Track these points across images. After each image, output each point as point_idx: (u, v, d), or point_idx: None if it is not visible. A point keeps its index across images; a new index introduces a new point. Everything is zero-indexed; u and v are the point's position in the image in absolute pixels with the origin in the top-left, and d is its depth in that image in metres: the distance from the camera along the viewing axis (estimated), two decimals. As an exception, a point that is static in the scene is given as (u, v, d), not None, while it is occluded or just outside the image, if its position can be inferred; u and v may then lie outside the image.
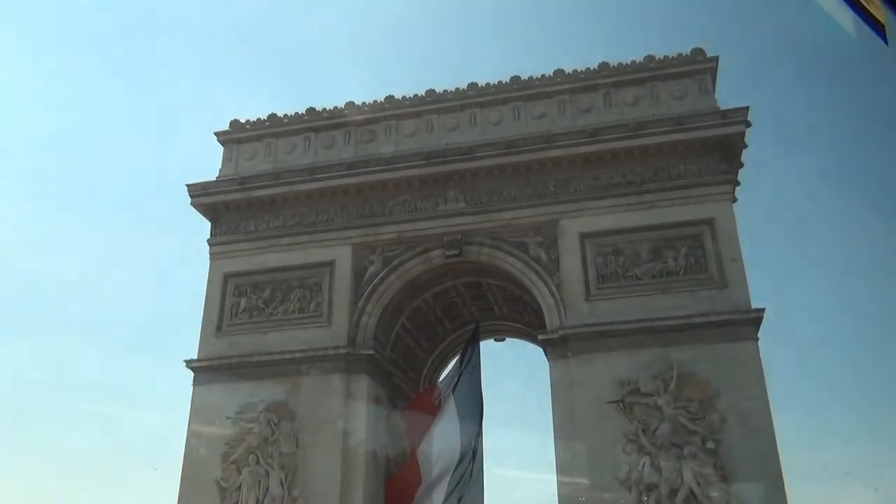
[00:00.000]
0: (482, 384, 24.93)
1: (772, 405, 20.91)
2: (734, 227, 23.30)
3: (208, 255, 26.27)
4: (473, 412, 24.11)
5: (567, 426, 21.79)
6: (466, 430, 23.50)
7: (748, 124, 23.55)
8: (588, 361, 22.15)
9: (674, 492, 20.11)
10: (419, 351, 28.94)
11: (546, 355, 23.19)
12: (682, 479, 20.20)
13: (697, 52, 25.05)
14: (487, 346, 33.22)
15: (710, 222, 23.16)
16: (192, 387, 24.26)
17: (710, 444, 20.47)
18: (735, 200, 26.28)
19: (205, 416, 23.64)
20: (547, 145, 24.43)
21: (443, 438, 23.42)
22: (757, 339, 21.81)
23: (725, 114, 23.74)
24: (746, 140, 24.00)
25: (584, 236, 23.73)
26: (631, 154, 24.10)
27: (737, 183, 25.86)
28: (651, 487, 20.34)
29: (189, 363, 24.51)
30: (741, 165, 25.11)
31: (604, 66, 25.52)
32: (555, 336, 22.85)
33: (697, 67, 24.96)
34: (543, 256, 23.96)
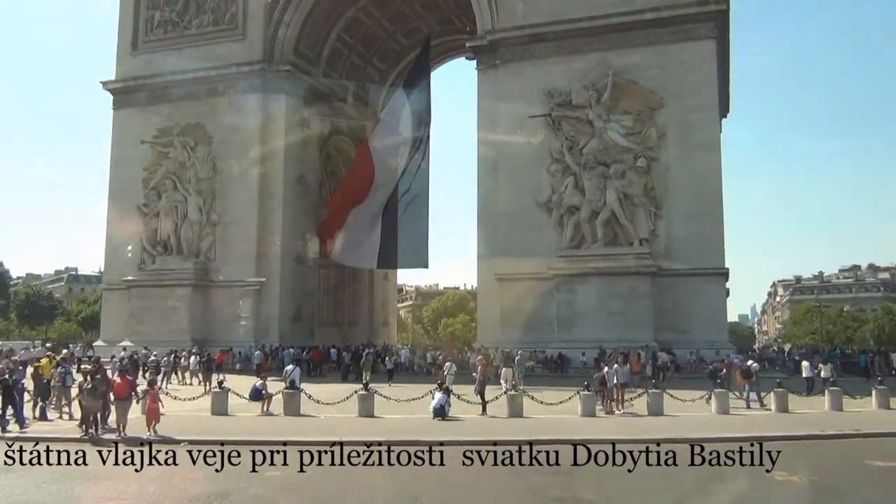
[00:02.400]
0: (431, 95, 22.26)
1: (722, 120, 17.87)
2: None
3: (119, -36, 23.58)
4: (423, 118, 21.78)
5: (489, 145, 19.53)
6: (417, 130, 21.28)
7: None
8: (517, 71, 19.17)
9: (595, 214, 18.05)
10: (372, 71, 26.29)
11: (476, 66, 20.26)
12: (605, 201, 18.04)
13: None
14: (459, 65, 30.42)
15: None
16: (111, 111, 23.02)
17: (640, 162, 17.92)
18: None
19: (125, 141, 22.50)
20: None
21: (395, 133, 21.40)
22: (714, 37, 18.11)
23: None
24: None
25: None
26: None
27: None
28: (572, 210, 18.33)
29: (106, 84, 22.99)
30: None
31: None
32: (483, 42, 19.76)
33: None
34: (477, -60, 20.02)
